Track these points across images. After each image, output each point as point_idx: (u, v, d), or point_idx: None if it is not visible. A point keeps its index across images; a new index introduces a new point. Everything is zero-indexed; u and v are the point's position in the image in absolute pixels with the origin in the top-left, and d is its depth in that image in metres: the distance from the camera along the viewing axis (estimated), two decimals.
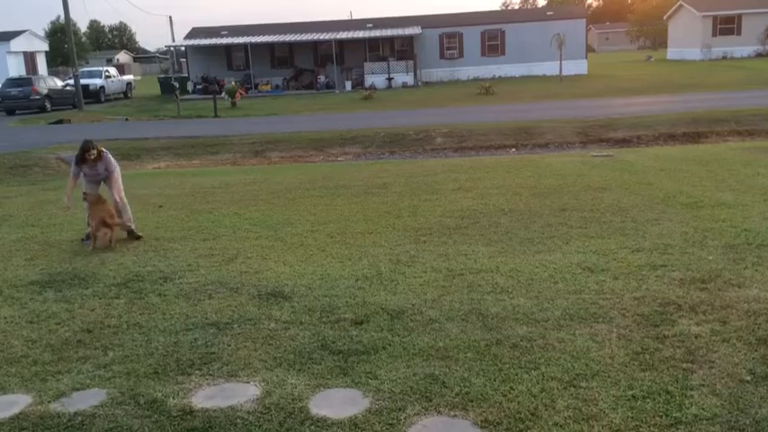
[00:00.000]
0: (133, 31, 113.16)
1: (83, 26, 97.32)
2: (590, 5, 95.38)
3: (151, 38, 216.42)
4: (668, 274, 5.60)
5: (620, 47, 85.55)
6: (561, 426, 3.45)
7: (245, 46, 38.29)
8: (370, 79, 36.70)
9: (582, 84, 32.58)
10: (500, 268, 5.98)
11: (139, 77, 63.14)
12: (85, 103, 31.32)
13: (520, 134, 17.55)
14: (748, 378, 3.82)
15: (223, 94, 31.44)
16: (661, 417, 3.48)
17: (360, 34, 38.44)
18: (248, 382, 4.10)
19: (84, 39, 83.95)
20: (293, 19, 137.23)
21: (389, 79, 36.93)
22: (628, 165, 11.20)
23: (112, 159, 7.83)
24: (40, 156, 15.73)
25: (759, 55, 43.89)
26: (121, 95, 39.17)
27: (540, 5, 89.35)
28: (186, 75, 41.58)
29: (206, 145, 18.14)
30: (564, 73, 35.79)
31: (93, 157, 7.56)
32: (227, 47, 39.83)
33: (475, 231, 7.36)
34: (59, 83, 34.55)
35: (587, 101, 24.59)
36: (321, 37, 38.35)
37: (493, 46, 40.36)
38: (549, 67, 38.17)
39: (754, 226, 6.90)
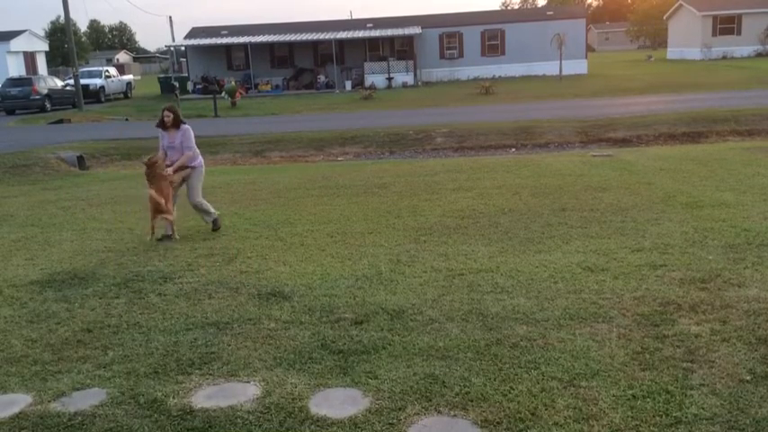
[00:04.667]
0: (133, 30, 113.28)
1: (83, 26, 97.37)
2: (590, 5, 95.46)
3: (151, 38, 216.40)
4: (668, 273, 5.60)
5: (620, 46, 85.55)
6: (561, 425, 3.45)
7: (245, 46, 38.28)
8: (370, 79, 36.69)
9: (582, 83, 32.57)
10: (500, 268, 5.98)
11: (139, 77, 63.13)
12: (85, 103, 31.30)
13: (520, 134, 17.55)
14: (748, 378, 3.82)
15: (223, 93, 31.44)
16: (661, 416, 3.48)
17: (360, 34, 38.44)
18: (248, 382, 4.10)
19: (84, 39, 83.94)
20: (293, 19, 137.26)
21: (389, 79, 36.92)
22: (628, 164, 11.20)
23: (192, 139, 7.64)
24: (39, 155, 15.72)
25: (759, 55, 43.90)
26: (121, 95, 39.15)
27: (539, 5, 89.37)
28: (186, 74, 41.55)
29: (206, 144, 18.06)
30: (564, 73, 35.80)
31: (168, 119, 7.52)
32: (227, 47, 39.82)
33: (475, 231, 7.36)
34: (59, 83, 34.54)
35: (587, 100, 24.59)
36: (321, 37, 38.34)
37: (493, 46, 40.36)
38: (548, 67, 38.17)
39: (754, 226, 6.90)
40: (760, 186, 8.85)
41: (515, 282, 5.60)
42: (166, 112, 7.57)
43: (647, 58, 53.15)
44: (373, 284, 5.73)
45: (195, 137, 7.77)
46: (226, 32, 41.80)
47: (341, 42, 38.63)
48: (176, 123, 7.61)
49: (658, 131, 17.02)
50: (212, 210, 7.95)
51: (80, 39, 77.04)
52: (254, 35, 39.52)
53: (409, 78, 37.41)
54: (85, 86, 33.11)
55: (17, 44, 43.62)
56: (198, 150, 7.83)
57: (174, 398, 3.94)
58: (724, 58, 43.88)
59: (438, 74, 39.83)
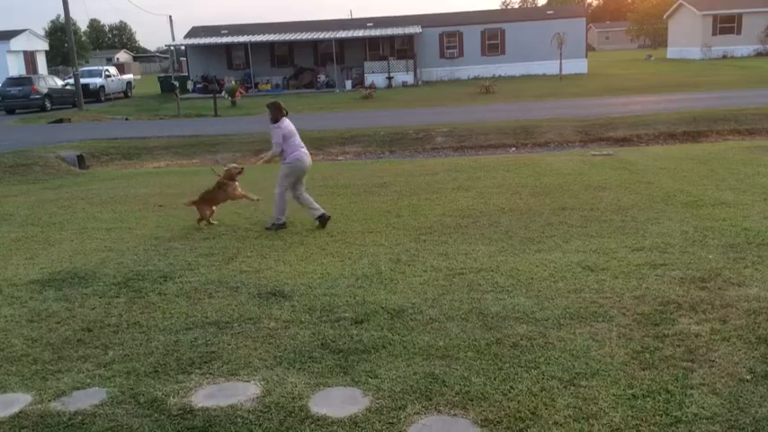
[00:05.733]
0: (133, 30, 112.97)
1: (83, 25, 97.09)
2: (590, 4, 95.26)
3: (151, 37, 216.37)
4: (668, 273, 5.60)
5: (620, 46, 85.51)
6: (561, 425, 3.45)
7: (245, 45, 38.26)
8: (370, 78, 36.67)
9: (582, 83, 32.56)
10: (500, 267, 5.98)
11: (139, 77, 63.11)
12: (85, 103, 31.28)
13: (520, 133, 17.54)
14: (748, 377, 3.82)
15: (223, 93, 31.42)
16: (661, 416, 3.48)
17: (360, 33, 38.42)
18: (248, 381, 4.10)
19: (84, 38, 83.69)
20: (293, 18, 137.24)
21: (389, 78, 36.90)
22: (628, 164, 11.20)
23: (277, 135, 7.71)
24: (40, 155, 15.71)
25: (759, 54, 43.88)
26: (121, 95, 39.14)
27: (539, 4, 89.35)
28: (186, 74, 41.54)
29: (206, 144, 18.13)
30: (564, 72, 35.77)
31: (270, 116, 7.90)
32: (228, 46, 39.80)
33: (475, 230, 7.35)
34: (59, 82, 34.52)
35: (587, 100, 24.58)
36: (321, 36, 38.34)
37: (493, 45, 40.33)
38: (549, 67, 38.15)
39: (754, 225, 6.90)
40: (760, 186, 8.85)
41: (515, 281, 5.61)
42: (267, 109, 7.93)
43: (647, 57, 53.11)
44: (373, 284, 5.73)
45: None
46: (226, 32, 41.78)
47: (341, 42, 38.61)
48: (272, 119, 7.83)
49: (658, 131, 17.01)
50: (281, 208, 7.86)
51: (80, 38, 76.84)
52: (254, 34, 39.50)
53: (409, 78, 37.40)
54: (85, 86, 33.09)
55: (17, 43, 43.61)
56: (290, 148, 7.73)
57: (174, 397, 3.94)
58: (724, 57, 43.86)
59: (438, 73, 39.80)
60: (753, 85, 25.88)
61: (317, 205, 7.91)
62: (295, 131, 7.87)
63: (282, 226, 7.86)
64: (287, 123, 7.80)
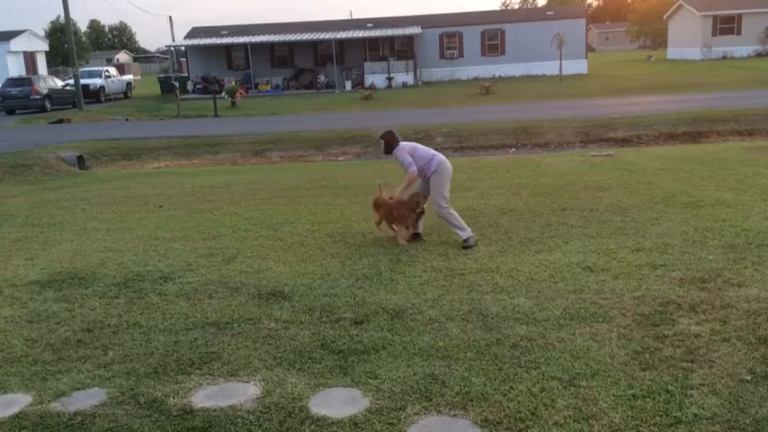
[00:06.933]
0: (133, 30, 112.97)
1: (83, 26, 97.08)
2: (590, 5, 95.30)
3: (151, 38, 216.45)
4: (668, 273, 5.60)
5: (620, 46, 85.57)
6: (561, 425, 3.45)
7: (245, 46, 38.30)
8: (370, 79, 36.69)
9: (582, 83, 32.57)
10: (500, 268, 5.98)
11: (139, 77, 63.11)
12: (85, 103, 31.32)
13: (520, 134, 17.55)
14: (748, 377, 3.82)
15: (223, 93, 31.44)
16: (661, 416, 3.48)
17: (360, 34, 38.45)
18: (248, 382, 4.10)
19: (84, 38, 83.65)
20: (293, 18, 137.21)
21: (389, 79, 36.93)
22: (628, 164, 11.20)
23: (404, 157, 6.94)
24: (40, 155, 15.71)
25: (759, 55, 43.90)
26: (121, 95, 39.16)
27: (539, 5, 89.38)
28: (186, 74, 41.57)
29: (206, 144, 18.14)
30: (564, 73, 35.80)
31: (380, 146, 7.19)
32: (227, 46, 39.84)
33: (475, 231, 7.34)
34: (59, 83, 34.53)
35: (587, 100, 24.59)
36: (321, 36, 38.36)
37: (493, 46, 40.37)
38: (548, 67, 38.18)
39: (754, 225, 6.90)
40: (760, 186, 8.85)
41: (515, 281, 5.61)
42: (380, 141, 7.21)
43: (647, 57, 53.14)
44: (373, 284, 5.73)
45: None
46: (226, 32, 41.81)
47: (341, 42, 38.63)
48: (386, 150, 7.16)
49: (658, 131, 17.02)
50: (458, 224, 6.86)
51: (80, 39, 76.77)
52: (254, 35, 39.53)
53: (409, 78, 37.42)
54: (85, 86, 33.12)
55: (17, 44, 43.61)
56: (424, 158, 6.99)
57: (174, 398, 3.94)
58: (724, 58, 43.89)
59: (438, 74, 39.83)
60: (752, 86, 25.89)
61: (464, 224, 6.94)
62: (416, 144, 7.20)
63: (471, 240, 6.81)
64: (404, 143, 7.11)
